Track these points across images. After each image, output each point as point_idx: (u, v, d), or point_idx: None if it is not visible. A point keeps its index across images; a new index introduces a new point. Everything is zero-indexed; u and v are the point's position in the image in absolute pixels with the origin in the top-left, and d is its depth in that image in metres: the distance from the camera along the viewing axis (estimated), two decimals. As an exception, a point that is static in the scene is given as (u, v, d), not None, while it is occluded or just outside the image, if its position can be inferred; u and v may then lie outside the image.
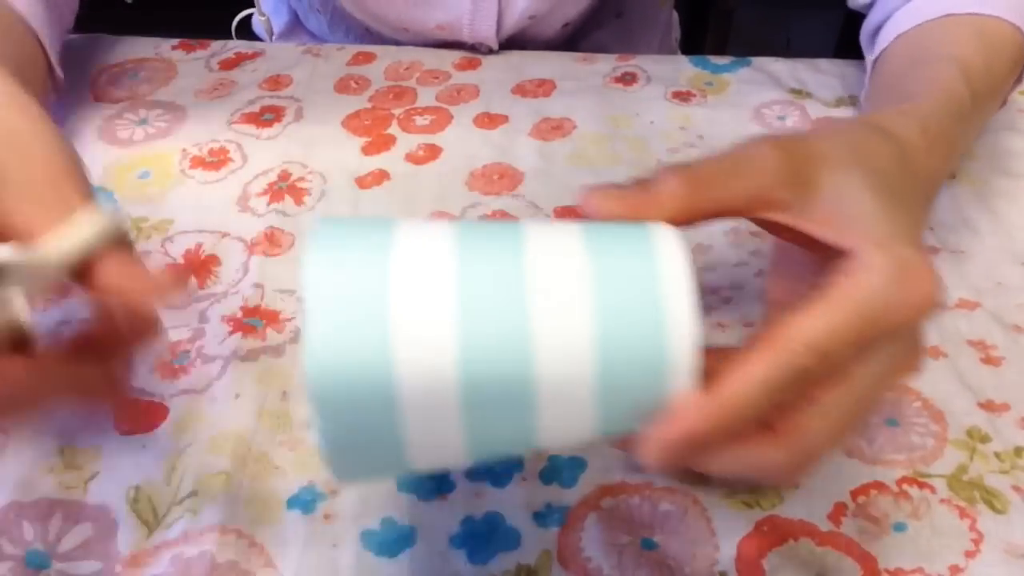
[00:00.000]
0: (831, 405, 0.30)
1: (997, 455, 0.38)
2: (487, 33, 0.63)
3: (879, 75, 0.51)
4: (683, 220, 0.30)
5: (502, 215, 0.50)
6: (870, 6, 0.55)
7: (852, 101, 0.58)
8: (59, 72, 0.53)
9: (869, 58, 0.54)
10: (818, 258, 0.33)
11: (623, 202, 0.30)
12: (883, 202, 0.32)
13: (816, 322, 0.29)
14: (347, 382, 0.26)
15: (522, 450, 0.29)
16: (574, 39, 0.71)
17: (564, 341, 0.26)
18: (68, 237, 0.30)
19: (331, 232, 0.27)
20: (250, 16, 0.74)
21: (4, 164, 0.30)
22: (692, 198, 0.30)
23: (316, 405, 0.26)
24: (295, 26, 0.78)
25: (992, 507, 0.36)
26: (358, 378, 0.26)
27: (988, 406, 0.40)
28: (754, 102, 0.58)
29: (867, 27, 0.55)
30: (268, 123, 0.56)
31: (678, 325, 0.27)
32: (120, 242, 0.31)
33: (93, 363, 0.31)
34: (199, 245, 0.48)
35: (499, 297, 0.26)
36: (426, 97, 0.59)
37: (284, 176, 0.52)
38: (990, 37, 0.47)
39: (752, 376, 0.28)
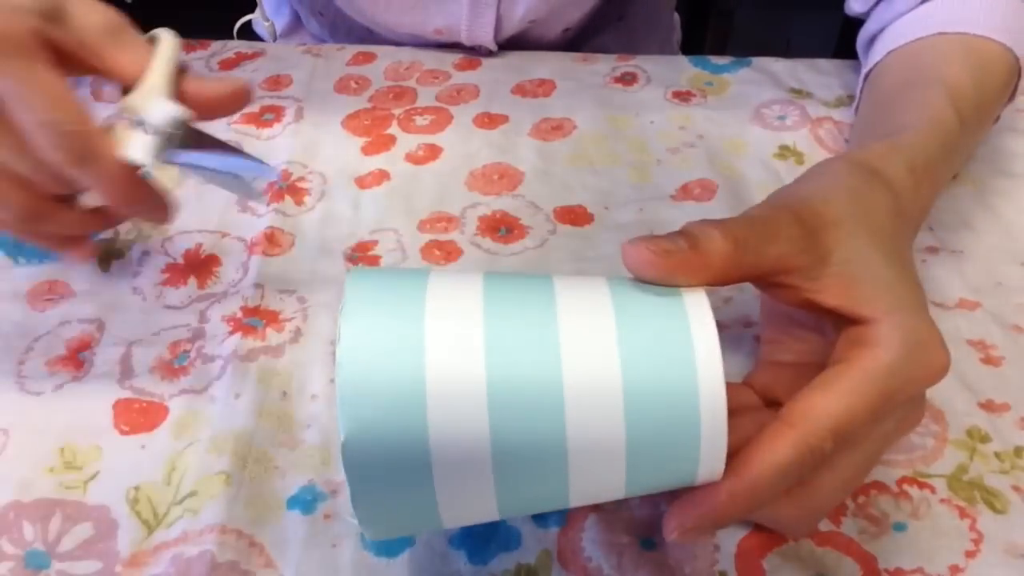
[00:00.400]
0: (842, 466, 0.32)
1: (997, 455, 0.38)
2: (485, 38, 0.63)
3: (871, 92, 0.51)
4: (722, 281, 0.31)
5: (502, 215, 0.50)
6: (866, 15, 0.55)
7: (851, 101, 0.58)
8: None
9: (864, 68, 0.54)
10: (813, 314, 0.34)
11: (671, 259, 0.30)
12: (889, 263, 0.33)
13: (837, 406, 0.30)
14: (382, 445, 0.26)
15: (555, 508, 0.30)
16: (576, 43, 0.71)
17: (596, 407, 0.27)
18: (159, 67, 0.35)
19: (364, 296, 0.28)
20: (251, 20, 0.74)
21: (97, 23, 0.35)
22: (734, 259, 0.31)
23: (351, 467, 0.27)
24: (296, 27, 0.78)
25: (992, 507, 0.36)
26: (393, 441, 0.26)
27: (988, 406, 0.40)
28: (754, 102, 0.58)
29: (863, 36, 0.55)
30: (268, 123, 0.56)
31: (710, 397, 0.27)
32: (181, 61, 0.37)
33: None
34: (199, 245, 0.48)
35: (531, 362, 0.27)
36: (426, 97, 0.59)
37: (284, 176, 0.52)
38: (980, 58, 0.47)
39: (775, 460, 0.29)
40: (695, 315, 0.28)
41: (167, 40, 0.36)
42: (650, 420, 0.27)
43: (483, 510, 0.29)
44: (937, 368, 0.31)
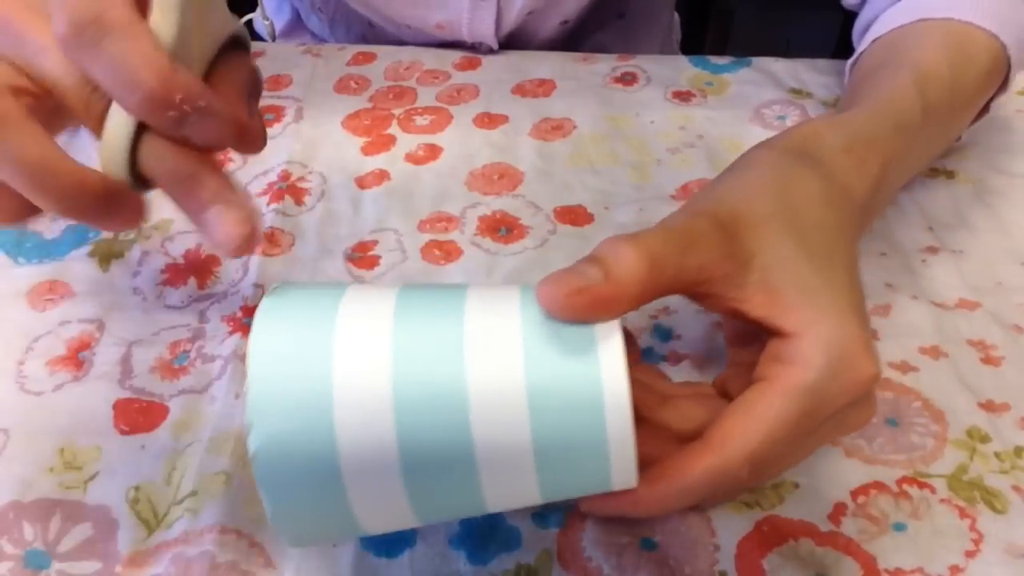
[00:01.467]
0: (765, 469, 0.33)
1: (997, 455, 0.38)
2: (486, 32, 0.63)
3: (851, 79, 0.51)
4: (642, 304, 0.30)
5: (502, 215, 0.50)
6: (861, 5, 0.55)
7: (852, 101, 0.58)
8: None
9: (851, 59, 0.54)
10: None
11: (586, 296, 0.28)
12: (815, 267, 0.31)
13: (755, 432, 0.30)
14: (293, 457, 0.27)
15: (473, 513, 0.30)
16: (575, 40, 0.71)
17: (500, 410, 0.27)
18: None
19: (278, 309, 0.28)
20: (251, 19, 0.74)
21: None
22: (651, 280, 0.29)
23: (263, 483, 0.27)
24: (296, 25, 0.78)
25: (992, 507, 0.36)
26: (303, 454, 0.27)
27: (988, 406, 0.40)
28: (754, 102, 0.58)
29: (858, 26, 0.55)
30: (268, 123, 0.56)
31: (616, 416, 0.27)
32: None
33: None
34: (199, 245, 0.48)
35: (436, 378, 0.27)
36: (426, 97, 0.59)
37: (284, 176, 0.52)
38: (960, 42, 0.46)
39: (687, 482, 0.30)
40: (602, 332, 0.28)
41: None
42: (557, 439, 0.27)
43: (400, 518, 0.29)
44: (863, 380, 0.30)
